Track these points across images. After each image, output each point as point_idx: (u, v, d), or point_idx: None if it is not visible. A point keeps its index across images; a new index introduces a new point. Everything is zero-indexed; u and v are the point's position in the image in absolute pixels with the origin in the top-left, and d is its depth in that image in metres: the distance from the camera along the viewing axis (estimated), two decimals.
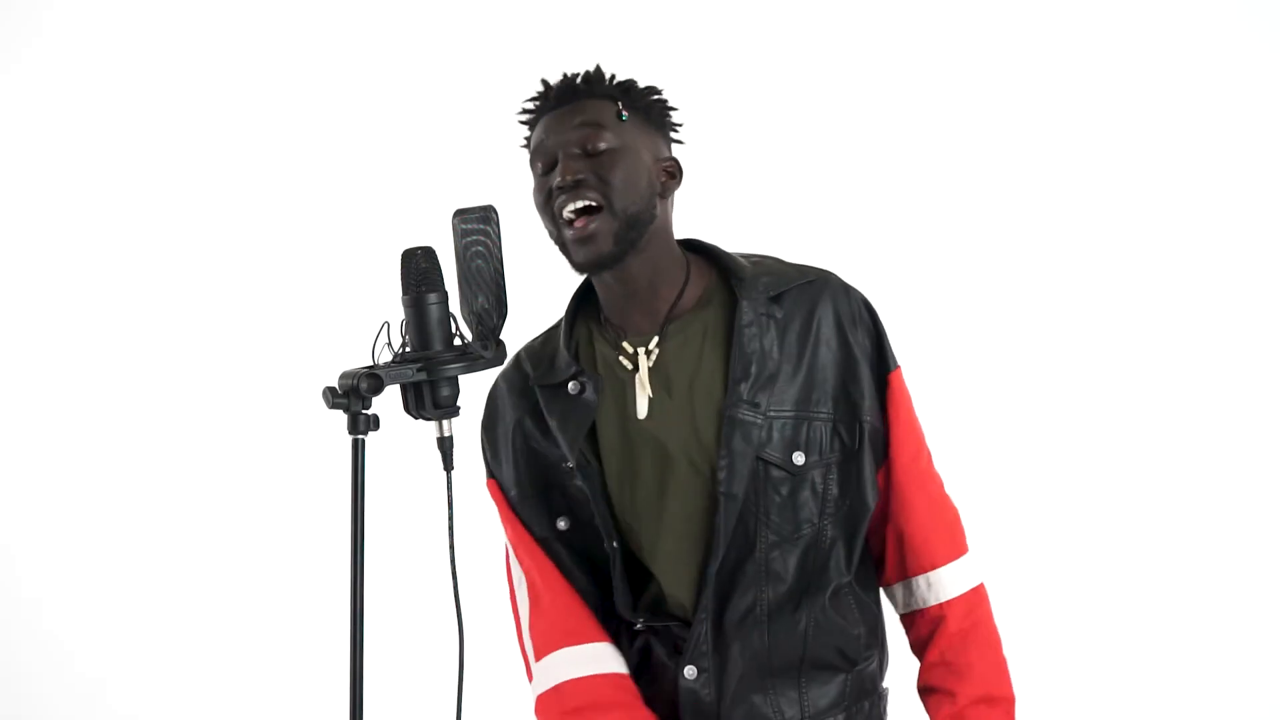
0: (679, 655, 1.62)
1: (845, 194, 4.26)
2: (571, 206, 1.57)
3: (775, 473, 1.58)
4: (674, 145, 1.69)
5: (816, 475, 1.60)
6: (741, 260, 1.66)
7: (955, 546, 1.68)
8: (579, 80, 1.62)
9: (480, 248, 1.55)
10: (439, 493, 1.65)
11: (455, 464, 1.61)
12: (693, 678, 1.61)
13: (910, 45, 4.35)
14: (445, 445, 1.59)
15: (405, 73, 4.38)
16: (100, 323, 4.12)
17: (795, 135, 4.11)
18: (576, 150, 1.57)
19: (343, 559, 1.68)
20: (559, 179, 1.56)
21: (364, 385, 1.49)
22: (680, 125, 1.70)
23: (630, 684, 1.67)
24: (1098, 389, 3.97)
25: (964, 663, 1.65)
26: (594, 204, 1.56)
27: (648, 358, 1.63)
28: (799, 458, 1.58)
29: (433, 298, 1.55)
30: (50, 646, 3.79)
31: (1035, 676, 3.61)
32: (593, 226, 1.56)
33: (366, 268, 4.55)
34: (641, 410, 1.62)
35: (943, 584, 1.67)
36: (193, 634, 3.77)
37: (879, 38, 4.38)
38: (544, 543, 1.70)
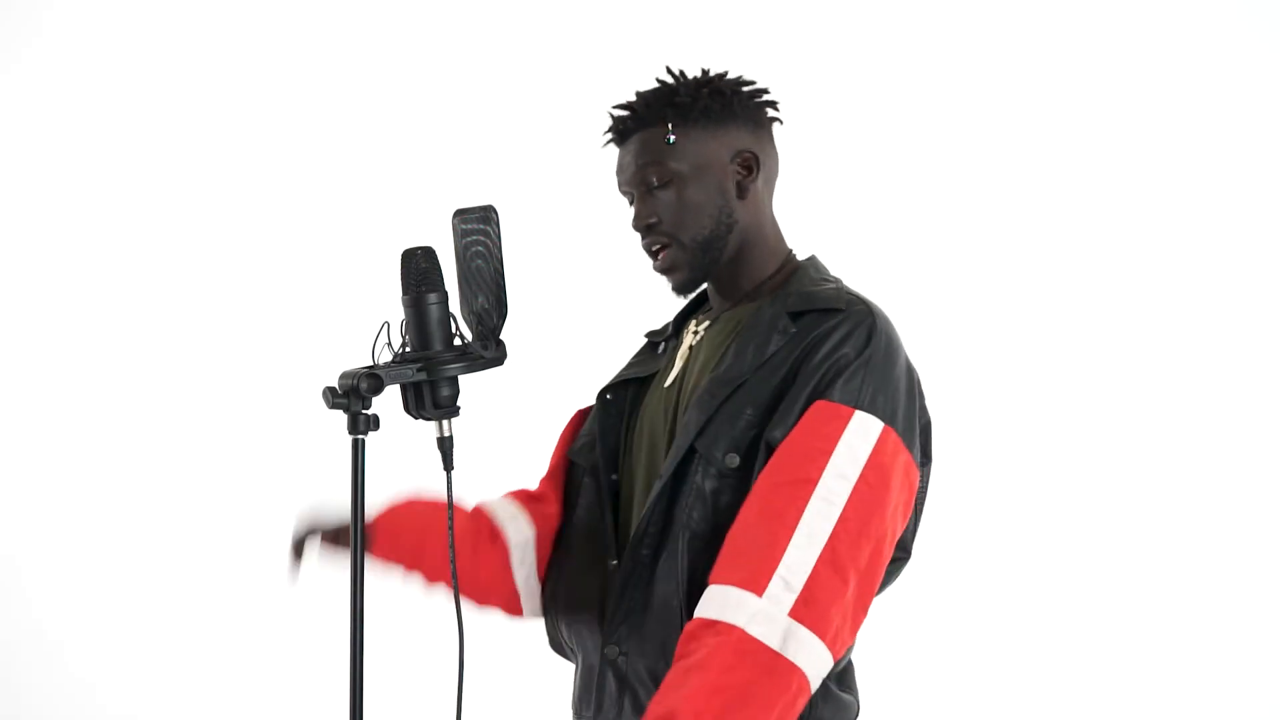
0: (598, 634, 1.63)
1: (851, 195, 4.26)
2: (651, 247, 1.65)
3: (707, 468, 1.53)
4: (774, 123, 1.70)
5: (743, 484, 1.53)
6: (810, 275, 1.65)
7: (752, 580, 1.43)
8: (629, 117, 1.65)
9: (480, 248, 1.55)
10: (439, 493, 1.65)
11: (455, 464, 1.61)
12: (612, 657, 1.59)
13: (916, 49, 4.35)
14: (445, 445, 1.59)
15: (405, 72, 4.39)
16: (99, 323, 4.13)
17: (804, 135, 4.10)
18: (643, 188, 1.63)
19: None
20: (635, 222, 1.65)
21: (364, 385, 1.49)
22: (770, 101, 1.68)
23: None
24: (1101, 391, 3.98)
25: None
26: (666, 243, 1.63)
27: (695, 330, 1.69)
28: (733, 460, 1.53)
29: (433, 298, 1.55)
30: (48, 649, 3.78)
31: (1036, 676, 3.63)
32: (669, 260, 1.64)
33: (366, 268, 4.54)
34: (668, 379, 1.68)
35: (709, 600, 1.46)
36: (191, 635, 3.77)
37: (885, 39, 4.38)
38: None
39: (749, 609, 1.41)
